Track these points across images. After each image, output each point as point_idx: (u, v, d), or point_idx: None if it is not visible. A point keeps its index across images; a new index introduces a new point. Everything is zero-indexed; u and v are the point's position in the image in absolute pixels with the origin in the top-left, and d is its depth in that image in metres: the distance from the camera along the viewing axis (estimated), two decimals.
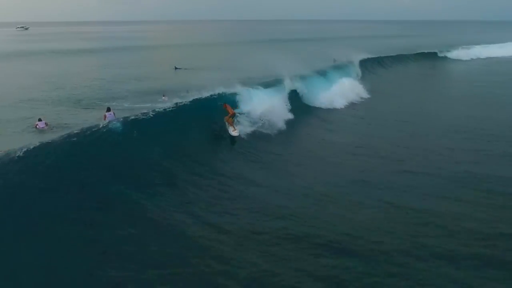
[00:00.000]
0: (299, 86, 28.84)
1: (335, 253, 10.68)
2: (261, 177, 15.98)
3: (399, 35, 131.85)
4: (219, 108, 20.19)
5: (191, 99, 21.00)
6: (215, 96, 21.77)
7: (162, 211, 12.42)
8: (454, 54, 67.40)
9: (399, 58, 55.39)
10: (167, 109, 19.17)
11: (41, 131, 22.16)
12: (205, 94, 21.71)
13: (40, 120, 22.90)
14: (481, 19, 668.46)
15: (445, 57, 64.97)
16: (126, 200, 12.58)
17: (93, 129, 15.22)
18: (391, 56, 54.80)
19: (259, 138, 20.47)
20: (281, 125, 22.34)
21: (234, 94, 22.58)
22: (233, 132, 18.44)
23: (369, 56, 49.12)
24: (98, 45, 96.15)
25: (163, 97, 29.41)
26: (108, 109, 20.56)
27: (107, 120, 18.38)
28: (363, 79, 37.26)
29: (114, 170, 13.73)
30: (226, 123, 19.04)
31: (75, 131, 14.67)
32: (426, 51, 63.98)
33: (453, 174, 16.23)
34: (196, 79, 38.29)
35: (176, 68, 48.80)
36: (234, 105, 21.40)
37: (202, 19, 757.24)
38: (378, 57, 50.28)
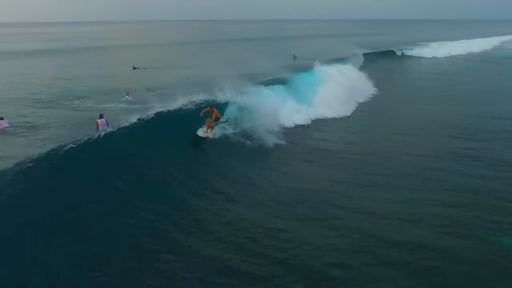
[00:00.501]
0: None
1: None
2: (239, 177, 16.51)
3: (361, 34, 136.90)
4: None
5: (182, 104, 19.90)
6: (207, 102, 20.67)
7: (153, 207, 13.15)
8: (416, 51, 69.60)
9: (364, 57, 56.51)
10: (159, 114, 18.66)
11: (4, 131, 22.45)
12: (196, 99, 20.67)
13: (2, 118, 23.10)
14: (438, 17, 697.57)
15: (405, 55, 66.49)
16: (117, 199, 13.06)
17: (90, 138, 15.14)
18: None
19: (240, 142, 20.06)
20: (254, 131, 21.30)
21: (224, 101, 21.55)
22: (206, 134, 18.43)
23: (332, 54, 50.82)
24: (55, 46, 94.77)
25: (127, 96, 30.60)
26: (101, 116, 19.66)
27: (100, 128, 18.32)
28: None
29: (109, 175, 13.96)
30: (204, 125, 18.91)
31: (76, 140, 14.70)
32: (386, 49, 65.97)
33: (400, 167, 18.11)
34: (154, 78, 39.87)
35: (134, 68, 49.87)
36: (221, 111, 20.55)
37: (160, 20, 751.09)
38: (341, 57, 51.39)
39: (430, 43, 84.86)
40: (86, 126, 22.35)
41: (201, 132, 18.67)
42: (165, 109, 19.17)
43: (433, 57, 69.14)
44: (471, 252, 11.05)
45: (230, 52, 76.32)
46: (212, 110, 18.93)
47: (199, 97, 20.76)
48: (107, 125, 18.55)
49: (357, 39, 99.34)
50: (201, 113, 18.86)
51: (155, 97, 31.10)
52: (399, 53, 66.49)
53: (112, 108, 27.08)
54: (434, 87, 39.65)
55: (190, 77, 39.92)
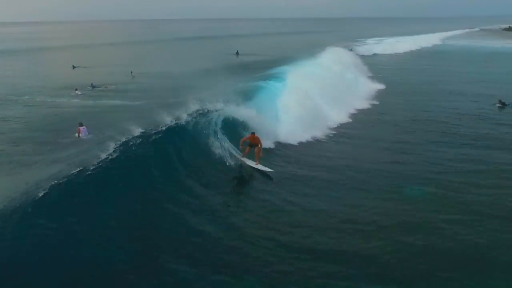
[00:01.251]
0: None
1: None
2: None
3: (304, 32, 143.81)
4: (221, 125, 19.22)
5: (191, 115, 19.04)
6: (216, 112, 20.21)
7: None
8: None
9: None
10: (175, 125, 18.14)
11: None
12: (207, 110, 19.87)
13: None
14: (375, 16, 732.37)
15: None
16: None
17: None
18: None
19: None
20: None
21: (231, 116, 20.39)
22: (258, 165, 17.13)
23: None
24: None
25: (76, 91, 33.12)
26: (81, 124, 20.55)
27: (82, 134, 20.13)
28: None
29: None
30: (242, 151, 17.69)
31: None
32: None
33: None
34: (97, 75, 42.19)
35: (74, 67, 51.76)
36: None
37: (100, 19, 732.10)
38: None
39: (369, 39, 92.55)
40: (43, 119, 24.87)
41: (253, 164, 17.22)
42: (175, 123, 18.35)
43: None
44: (384, 201, 14.76)
45: (174, 50, 79.52)
46: (256, 139, 17.25)
47: (193, 107, 19.67)
48: (87, 132, 20.35)
49: (300, 37, 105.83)
50: (242, 141, 17.54)
51: (103, 91, 34.17)
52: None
53: (65, 103, 29.74)
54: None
55: (134, 73, 42.81)
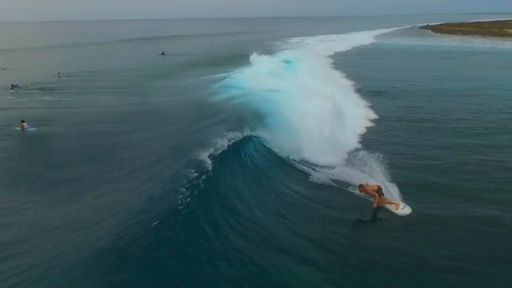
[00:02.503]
0: None
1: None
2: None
3: (238, 32, 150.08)
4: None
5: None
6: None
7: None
8: None
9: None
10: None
11: None
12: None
13: None
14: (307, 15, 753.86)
15: None
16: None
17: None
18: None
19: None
20: None
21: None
22: (399, 209, 15.40)
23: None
24: None
25: (11, 90, 36.95)
26: (23, 121, 24.72)
27: (25, 127, 24.30)
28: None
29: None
30: (384, 205, 15.73)
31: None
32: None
33: None
34: (22, 77, 45.31)
35: None
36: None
37: (22, 21, 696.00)
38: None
39: (292, 38, 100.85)
40: None
41: (395, 210, 15.42)
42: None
43: None
44: None
45: (100, 52, 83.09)
46: (371, 191, 15.55)
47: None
48: (29, 126, 24.57)
49: (224, 39, 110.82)
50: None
51: (32, 90, 37.92)
52: None
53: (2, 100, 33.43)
54: None
55: (61, 74, 46.68)
